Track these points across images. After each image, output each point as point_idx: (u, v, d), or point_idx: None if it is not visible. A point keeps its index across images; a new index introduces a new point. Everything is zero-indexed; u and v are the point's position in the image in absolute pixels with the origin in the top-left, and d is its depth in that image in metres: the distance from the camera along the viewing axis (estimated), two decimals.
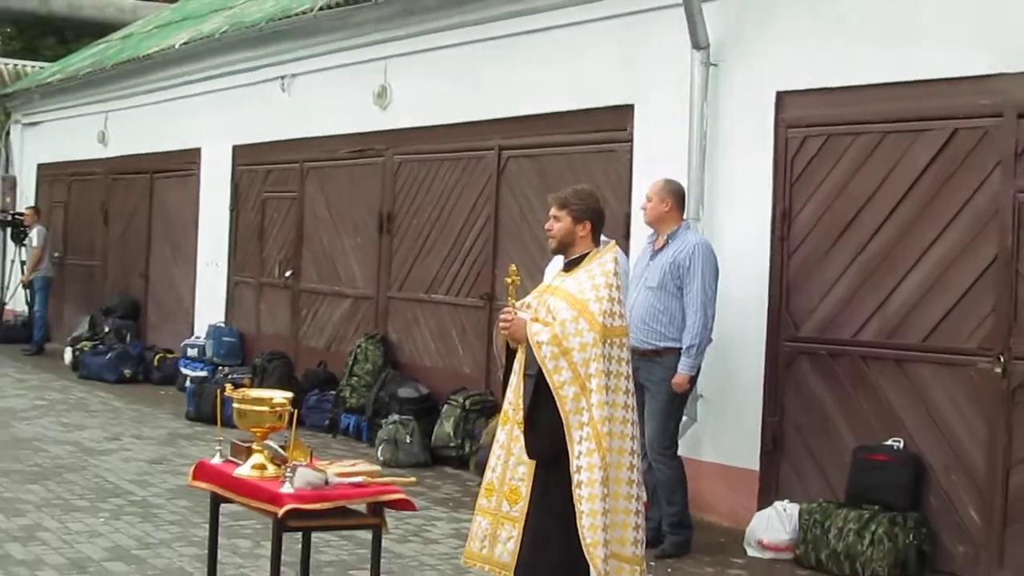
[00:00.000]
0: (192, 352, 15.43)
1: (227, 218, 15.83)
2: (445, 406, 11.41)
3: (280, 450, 5.71)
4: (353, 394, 12.64)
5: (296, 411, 5.85)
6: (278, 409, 5.75)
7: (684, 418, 8.78)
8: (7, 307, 21.01)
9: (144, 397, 14.89)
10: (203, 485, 6.00)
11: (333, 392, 12.98)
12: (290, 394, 5.90)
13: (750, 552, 8.37)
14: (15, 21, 31.84)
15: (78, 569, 7.33)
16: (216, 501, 6.04)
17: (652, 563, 7.89)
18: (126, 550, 7.82)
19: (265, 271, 15.06)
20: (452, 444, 11.18)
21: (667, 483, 8.18)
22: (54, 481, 9.87)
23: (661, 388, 8.19)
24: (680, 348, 8.18)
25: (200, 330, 15.98)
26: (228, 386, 6.11)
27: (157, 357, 16.47)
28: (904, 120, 8.12)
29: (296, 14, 13.79)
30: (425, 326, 12.44)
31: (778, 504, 8.42)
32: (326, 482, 5.54)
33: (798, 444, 8.73)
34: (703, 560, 8.20)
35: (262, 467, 5.68)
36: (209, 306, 16.11)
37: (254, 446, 5.77)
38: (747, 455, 8.97)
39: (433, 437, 11.37)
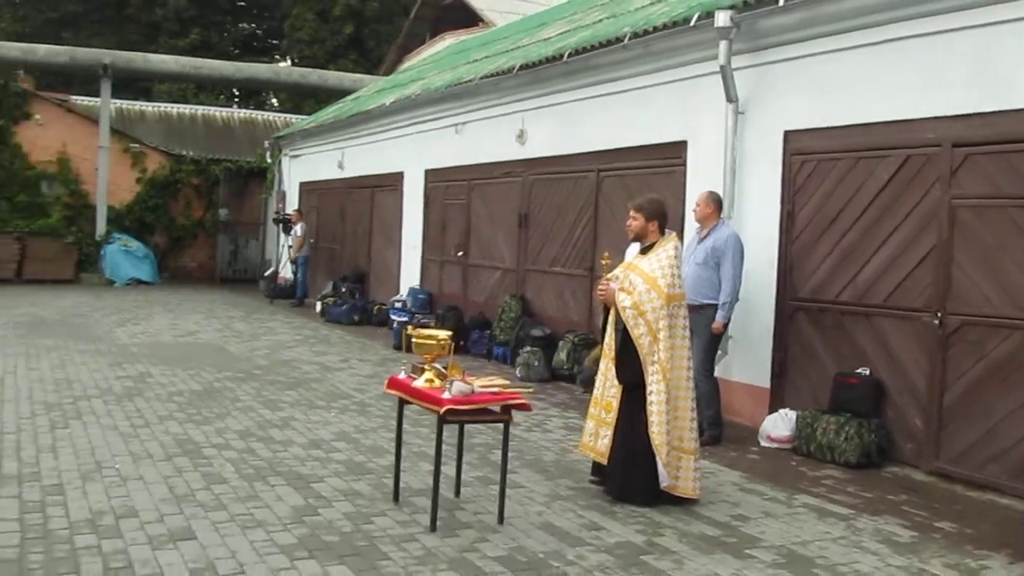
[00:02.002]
0: (398, 304, 15.55)
1: (421, 217, 15.91)
2: (561, 341, 11.38)
3: (443, 369, 5.74)
4: (502, 333, 12.65)
5: (455, 344, 5.87)
6: (442, 342, 5.76)
7: (719, 352, 8.70)
8: (280, 275, 21.44)
9: (366, 334, 15.09)
10: (394, 392, 6.04)
11: (489, 331, 13.02)
12: (450, 332, 5.87)
13: (762, 443, 8.23)
14: (288, 90, 32.49)
15: (314, 446, 7.44)
16: (402, 403, 6.07)
17: None
18: (347, 434, 7.92)
19: (445, 252, 15.11)
20: (565, 367, 11.14)
21: (706, 395, 8.07)
22: (303, 388, 10.04)
23: (704, 331, 8.12)
24: (717, 304, 8.15)
25: (403, 291, 16.12)
26: (410, 327, 6.14)
27: (375, 308, 16.65)
28: (871, 149, 7.90)
29: (465, 82, 13.82)
30: (548, 289, 12.37)
31: (782, 411, 8.32)
32: (473, 391, 5.55)
33: (796, 371, 8.56)
34: (730, 448, 8.07)
35: (431, 380, 5.70)
36: (409, 275, 16.24)
37: (426, 366, 5.80)
38: (761, 377, 8.84)
39: (553, 362, 11.34)
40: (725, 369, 8.96)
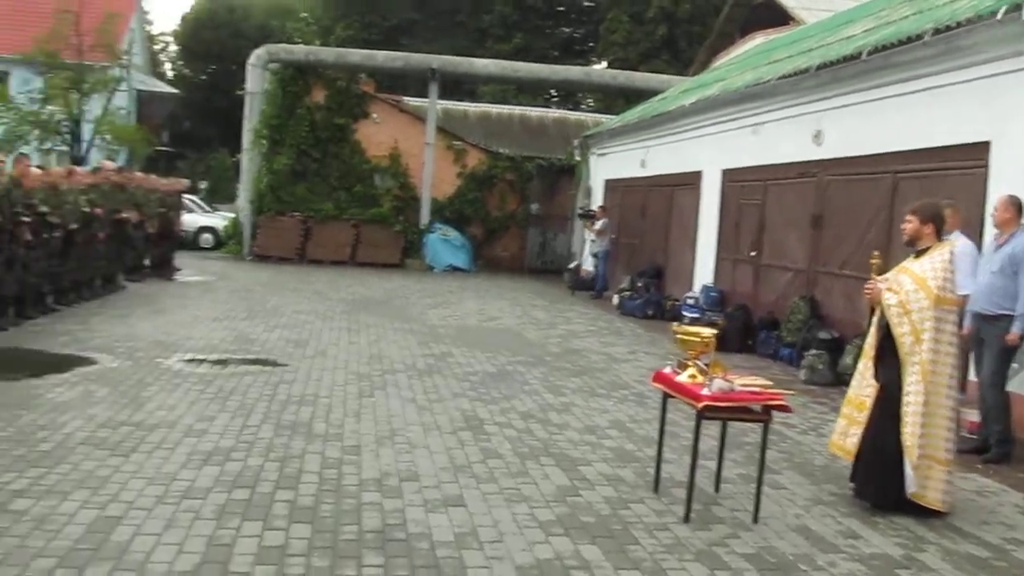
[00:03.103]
0: (690, 301, 15.48)
1: (716, 216, 15.75)
2: (848, 345, 10.91)
3: (704, 366, 5.74)
4: (789, 334, 12.30)
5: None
6: (705, 339, 5.76)
7: (1014, 365, 8.03)
8: (583, 268, 21.91)
9: (657, 329, 15.11)
10: (659, 385, 6.11)
11: (776, 332, 12.71)
12: (714, 331, 5.86)
13: None
14: (599, 91, 33.11)
15: (589, 432, 7.63)
16: (666, 396, 6.12)
17: (979, 465, 7.33)
18: (621, 423, 8.06)
19: (739, 251, 14.87)
20: (850, 372, 10.63)
21: (995, 409, 7.53)
22: (588, 376, 10.27)
23: (997, 342, 7.54)
24: (1013, 314, 7.52)
25: (696, 287, 16.03)
26: (674, 324, 6.18)
27: (669, 303, 16.66)
28: None
29: (764, 82, 13.54)
30: (838, 291, 11.89)
31: None
32: (733, 389, 5.52)
33: None
34: (1019, 468, 7.46)
35: (694, 376, 5.72)
36: (703, 272, 16.11)
37: (689, 362, 5.82)
38: None
39: (839, 366, 10.91)
40: (1019, 383, 8.26)
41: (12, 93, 31.01)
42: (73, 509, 5.04)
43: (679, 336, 5.81)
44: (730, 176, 15.33)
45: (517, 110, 32.28)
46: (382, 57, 26.46)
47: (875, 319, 6.11)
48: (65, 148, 30.90)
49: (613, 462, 6.72)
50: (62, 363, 9.06)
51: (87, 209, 13.10)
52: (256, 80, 25.07)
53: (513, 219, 26.77)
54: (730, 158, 15.27)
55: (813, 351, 11.24)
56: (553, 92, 42.28)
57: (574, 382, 9.83)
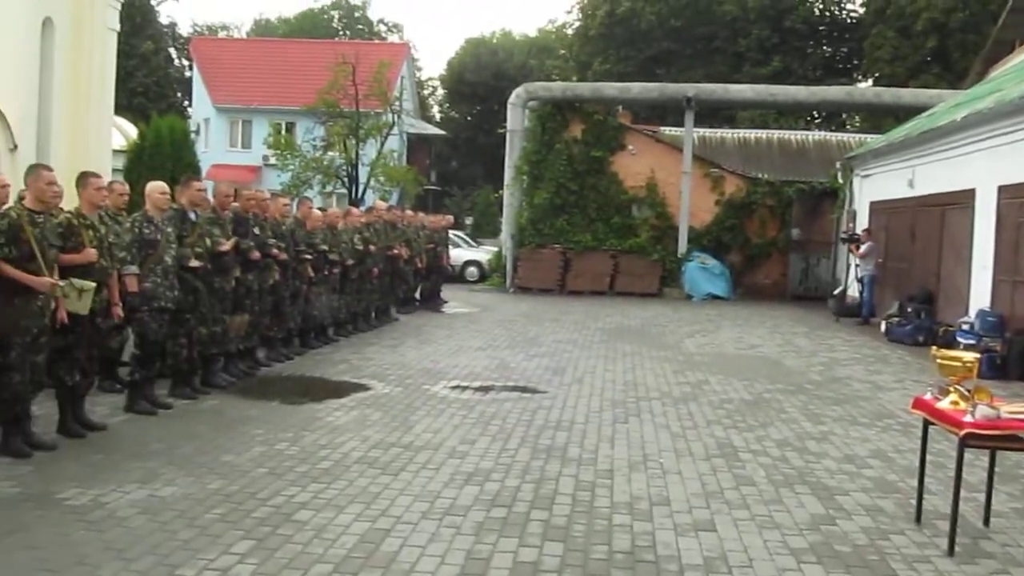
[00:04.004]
0: (965, 326, 14.60)
1: (992, 236, 14.79)
2: None
3: (967, 392, 5.48)
4: None
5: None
6: (967, 364, 5.51)
7: None
8: (848, 294, 21.13)
9: (929, 356, 14.35)
10: (919, 412, 5.88)
11: None
12: (976, 355, 5.60)
13: None
14: (862, 110, 31.92)
15: (847, 461, 7.40)
16: (926, 423, 5.88)
17: None
18: (883, 452, 7.76)
19: (1018, 272, 13.89)
20: None
21: None
22: (850, 404, 9.93)
23: None
24: None
25: (971, 312, 15.10)
26: (933, 348, 5.94)
27: (941, 329, 15.75)
28: None
29: None
30: None
31: None
32: (999, 416, 5.24)
33: None
34: None
35: (955, 402, 5.48)
36: (979, 296, 15.14)
37: (951, 388, 5.58)
38: None
39: None
40: None
41: (297, 142, 33.80)
42: (348, 521, 5.48)
43: (939, 360, 5.59)
44: (1007, 193, 14.37)
45: (776, 134, 31.66)
46: (637, 89, 26.82)
47: None
48: (343, 190, 33.27)
49: (872, 492, 6.50)
50: (340, 389, 9.80)
51: (362, 246, 14.09)
52: (516, 118, 26.02)
53: (774, 245, 26.21)
54: (1007, 174, 14.32)
55: None
56: (814, 114, 41.13)
57: (834, 410, 9.54)
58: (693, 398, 9.95)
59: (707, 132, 30.72)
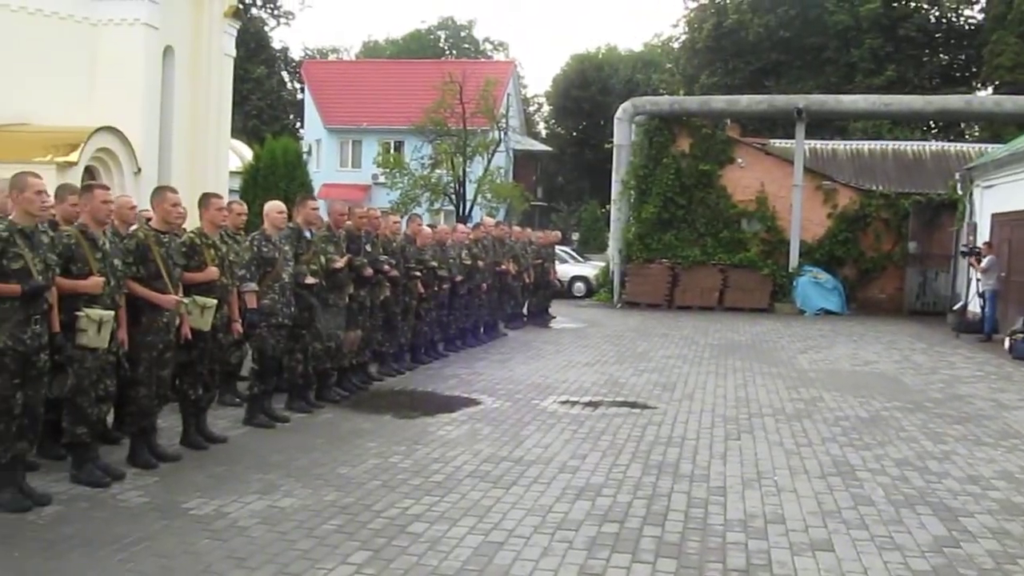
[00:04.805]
0: None
1: None
2: None
3: None
4: None
5: None
6: None
7: None
8: (968, 308, 20.44)
9: None
10: None
11: None
12: None
13: None
14: (982, 119, 30.92)
15: (971, 482, 7.18)
16: None
17: None
18: (1010, 473, 7.49)
19: None
20: None
21: None
22: (973, 423, 9.59)
23: None
24: None
25: None
26: None
27: None
28: None
29: None
30: None
31: None
32: None
33: None
34: None
35: None
36: None
37: None
38: None
39: None
40: None
41: (406, 160, 34.37)
42: (461, 534, 5.55)
43: None
44: None
45: (891, 145, 30.87)
46: (746, 101, 26.50)
47: None
48: (451, 207, 33.69)
49: (999, 514, 6.28)
50: (451, 403, 9.92)
51: (470, 262, 14.24)
52: (623, 133, 25.97)
53: (889, 259, 25.51)
54: None
55: None
56: (931, 124, 39.98)
57: (956, 429, 9.24)
58: (807, 415, 9.76)
59: (818, 144, 30.14)
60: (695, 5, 47.74)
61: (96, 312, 6.16)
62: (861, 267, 25.55)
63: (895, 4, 41.33)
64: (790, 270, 24.56)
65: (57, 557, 5.01)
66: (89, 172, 15.00)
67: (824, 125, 34.20)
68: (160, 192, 7.39)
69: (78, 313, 6.12)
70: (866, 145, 30.77)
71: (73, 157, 14.59)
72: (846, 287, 24.82)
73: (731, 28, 43.48)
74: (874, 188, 26.06)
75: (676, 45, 53.21)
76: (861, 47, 40.69)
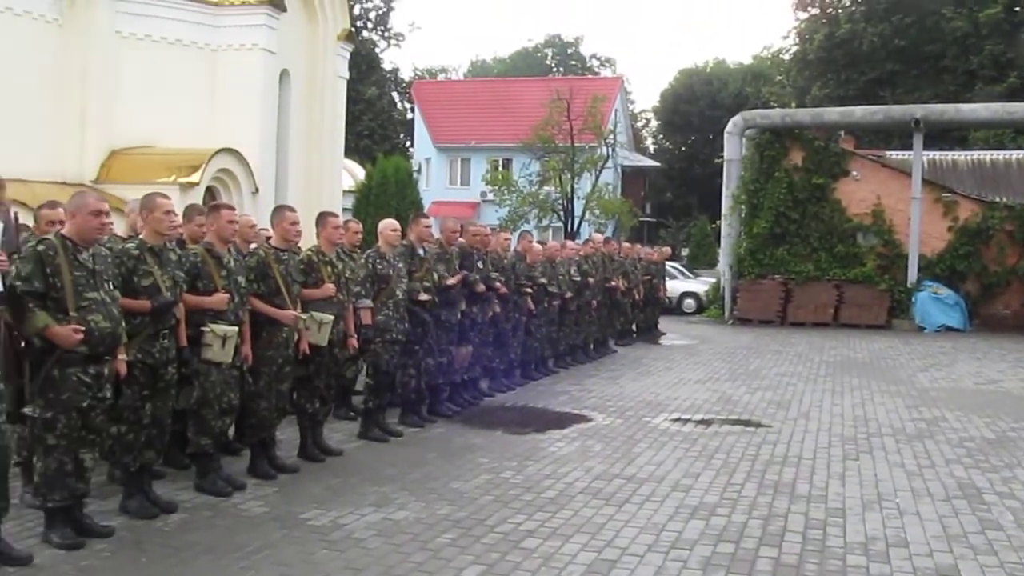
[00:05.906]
0: None
1: None
2: None
3: None
4: None
5: None
6: None
7: None
8: None
9: None
10: None
11: None
12: None
13: None
14: None
15: None
16: None
17: None
18: None
19: None
20: None
21: None
22: None
23: None
24: None
25: None
26: None
27: None
28: None
29: None
30: None
31: None
32: None
33: None
34: None
35: None
36: None
37: None
38: None
39: None
40: None
41: (514, 177, 34.59)
42: (574, 551, 5.53)
43: None
44: None
45: (1015, 155, 29.76)
46: (860, 112, 25.89)
47: None
48: (559, 224, 33.74)
49: None
50: (562, 419, 9.91)
51: (580, 279, 14.23)
52: (733, 147, 25.64)
53: (1014, 273, 24.51)
54: None
55: None
56: None
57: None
58: (929, 435, 9.45)
59: (937, 155, 29.27)
60: (806, 16, 46.92)
61: (221, 328, 6.39)
62: (984, 282, 24.62)
63: (1016, 8, 39.86)
64: (909, 285, 23.83)
65: (183, 564, 5.18)
66: (210, 192, 15.54)
67: (943, 136, 33.18)
68: (279, 211, 7.60)
69: (203, 328, 6.36)
70: (988, 155, 29.76)
71: (195, 178, 15.14)
72: (968, 303, 23.95)
73: (844, 38, 42.57)
74: (997, 200, 25.12)
75: (786, 57, 52.35)
76: (981, 53, 39.34)
